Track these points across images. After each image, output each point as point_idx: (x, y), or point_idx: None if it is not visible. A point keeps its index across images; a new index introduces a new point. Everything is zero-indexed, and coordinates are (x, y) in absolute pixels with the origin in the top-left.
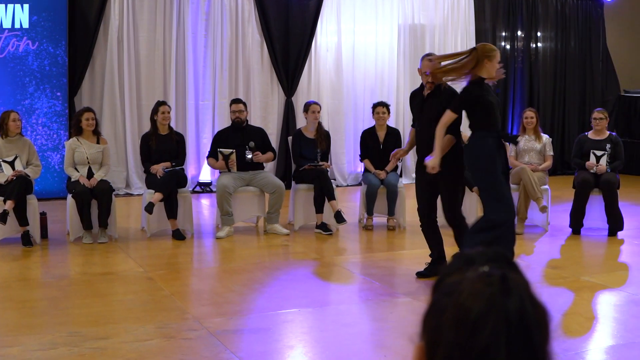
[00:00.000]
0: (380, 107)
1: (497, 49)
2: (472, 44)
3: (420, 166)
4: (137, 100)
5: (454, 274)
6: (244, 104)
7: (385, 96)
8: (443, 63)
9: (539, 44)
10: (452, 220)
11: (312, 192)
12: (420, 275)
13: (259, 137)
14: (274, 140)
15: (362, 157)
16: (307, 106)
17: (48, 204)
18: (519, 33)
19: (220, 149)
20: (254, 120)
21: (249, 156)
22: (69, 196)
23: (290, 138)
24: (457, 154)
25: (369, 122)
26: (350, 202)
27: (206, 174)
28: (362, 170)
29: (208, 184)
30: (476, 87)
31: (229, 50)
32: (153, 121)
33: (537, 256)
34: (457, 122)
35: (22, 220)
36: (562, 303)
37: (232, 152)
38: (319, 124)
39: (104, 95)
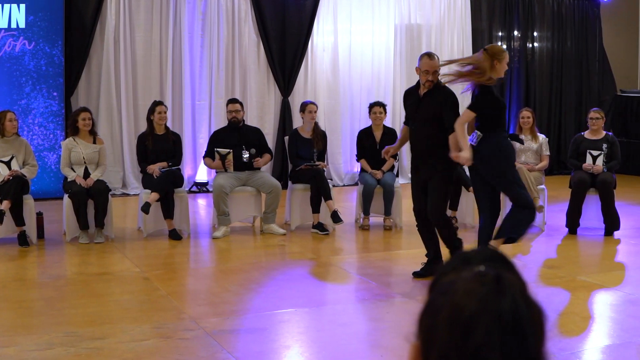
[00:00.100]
0: (377, 107)
1: (506, 51)
2: (468, 43)
3: (414, 166)
4: (134, 100)
5: (450, 273)
6: (241, 103)
7: (382, 96)
8: (455, 68)
9: (536, 44)
10: (438, 219)
11: (308, 192)
12: (416, 275)
13: (256, 138)
14: (270, 140)
15: (359, 157)
16: (304, 106)
17: (44, 204)
18: (516, 33)
19: (218, 149)
20: (250, 120)
21: (246, 156)
22: (66, 196)
23: (286, 138)
24: (446, 154)
25: (366, 122)
26: (346, 202)
27: (203, 173)
28: (359, 170)
29: (204, 184)
30: (492, 89)
31: (225, 50)
32: (149, 121)
33: (533, 256)
34: (439, 123)
35: (19, 220)
36: (559, 303)
37: (229, 152)
38: (316, 123)
39: (100, 95)
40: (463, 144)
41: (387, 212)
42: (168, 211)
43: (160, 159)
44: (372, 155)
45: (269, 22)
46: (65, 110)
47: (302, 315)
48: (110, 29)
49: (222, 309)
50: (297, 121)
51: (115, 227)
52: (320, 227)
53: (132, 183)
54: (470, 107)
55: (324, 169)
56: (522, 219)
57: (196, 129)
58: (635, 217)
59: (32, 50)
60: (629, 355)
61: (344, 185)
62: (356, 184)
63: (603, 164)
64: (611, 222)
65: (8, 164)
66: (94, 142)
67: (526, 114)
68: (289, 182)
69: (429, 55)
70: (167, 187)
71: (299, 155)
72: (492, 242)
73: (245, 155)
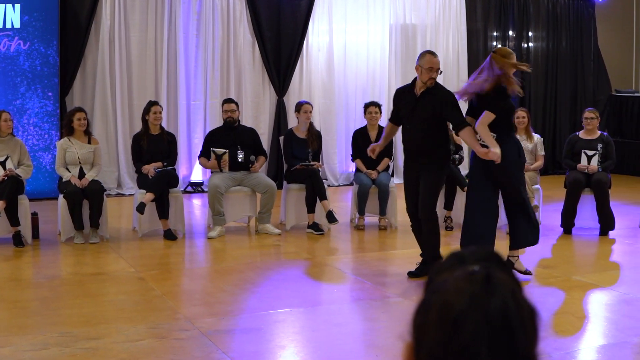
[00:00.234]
0: (373, 107)
1: (513, 52)
2: (463, 43)
3: (408, 166)
4: (129, 100)
5: (444, 272)
6: (236, 103)
7: (377, 96)
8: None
9: (530, 44)
10: (428, 217)
11: (303, 192)
12: (411, 274)
13: (251, 138)
14: (265, 140)
15: (354, 157)
16: (299, 106)
17: (39, 204)
18: (511, 33)
19: (214, 149)
20: (245, 120)
21: (241, 156)
22: (61, 196)
23: (281, 138)
24: (442, 154)
25: (361, 122)
26: (341, 202)
27: (198, 173)
28: (354, 170)
29: (199, 184)
30: (507, 91)
31: (220, 50)
32: (144, 121)
33: (528, 255)
34: (444, 122)
35: (14, 220)
36: (554, 302)
37: (225, 153)
38: (311, 123)
39: (95, 95)
40: (490, 142)
41: (382, 212)
42: (163, 211)
43: (155, 159)
44: (367, 155)
45: (264, 22)
46: (60, 111)
47: (298, 315)
48: (105, 29)
49: (217, 309)
50: (292, 121)
51: (110, 227)
52: (315, 227)
53: (127, 183)
54: (490, 109)
55: (319, 169)
56: (532, 223)
57: (191, 129)
58: (630, 217)
59: (27, 50)
60: (623, 354)
61: (339, 185)
62: (351, 184)
63: (598, 164)
64: (606, 222)
65: (3, 164)
66: (89, 142)
67: (521, 113)
68: (284, 182)
69: (432, 53)
70: (162, 187)
71: (294, 155)
72: (511, 253)
73: (241, 155)
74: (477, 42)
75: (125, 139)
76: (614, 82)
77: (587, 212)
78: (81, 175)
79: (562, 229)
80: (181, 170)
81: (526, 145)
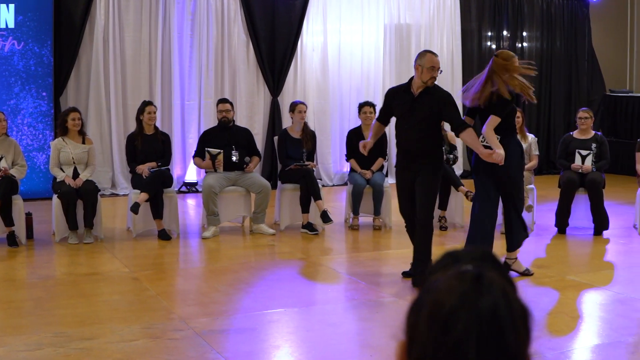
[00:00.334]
0: (367, 107)
1: (515, 55)
2: (457, 43)
3: (403, 166)
4: (123, 100)
5: (439, 271)
6: (231, 103)
7: (371, 96)
8: (473, 89)
9: (525, 44)
10: (427, 222)
11: (298, 192)
12: (406, 274)
13: (245, 138)
14: (259, 140)
15: (348, 157)
16: (293, 106)
17: (33, 205)
18: (505, 33)
19: (208, 149)
20: (240, 120)
21: (235, 156)
22: (55, 196)
23: (276, 138)
24: (439, 155)
25: (355, 122)
26: (336, 201)
27: (192, 173)
28: (348, 170)
29: (194, 184)
30: (512, 93)
31: (214, 50)
32: (139, 121)
33: (522, 255)
34: (437, 122)
35: (8, 220)
36: (548, 302)
37: (219, 153)
38: (305, 123)
39: (89, 95)
40: (495, 145)
41: (377, 212)
42: (157, 211)
43: (149, 159)
44: (362, 155)
45: (258, 22)
46: (54, 111)
47: (292, 315)
48: (99, 28)
49: (211, 309)
50: (287, 121)
51: (104, 227)
52: (309, 227)
53: (122, 183)
54: (495, 113)
55: (314, 168)
56: (520, 227)
57: (185, 129)
58: (625, 217)
59: (21, 50)
60: (618, 354)
61: (333, 185)
62: (345, 183)
63: (592, 164)
64: (600, 222)
65: None
66: (83, 142)
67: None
68: (279, 182)
69: (432, 52)
70: (156, 187)
71: (288, 155)
72: (508, 255)
73: (235, 155)
74: (471, 42)
75: (119, 139)
76: (608, 82)
77: (581, 211)
78: (75, 175)
79: (556, 228)
80: (175, 170)
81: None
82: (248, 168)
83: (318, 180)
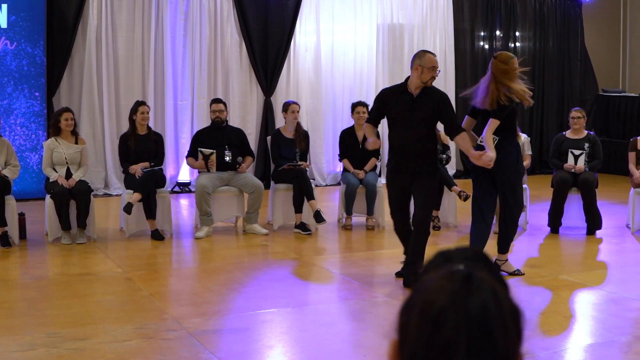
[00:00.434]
0: (360, 107)
1: (514, 57)
2: (450, 43)
3: (399, 168)
4: (116, 100)
5: (430, 271)
6: (224, 103)
7: (364, 96)
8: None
9: (518, 44)
10: (426, 224)
11: (291, 192)
12: (399, 275)
13: (238, 138)
14: (252, 140)
15: (341, 157)
16: (286, 106)
17: (26, 205)
18: (498, 33)
19: (201, 149)
20: (233, 120)
21: (228, 157)
22: (48, 197)
23: (269, 138)
24: (436, 156)
25: (348, 122)
26: (329, 201)
27: (185, 174)
28: (341, 169)
29: (187, 184)
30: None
31: (207, 50)
32: (132, 121)
33: (515, 255)
34: (435, 123)
35: (0, 220)
36: (541, 302)
37: (212, 153)
38: (298, 123)
39: (82, 95)
40: (489, 147)
41: (370, 211)
42: (150, 211)
43: (142, 159)
44: (355, 155)
45: (251, 22)
46: (47, 111)
47: (285, 315)
48: (92, 28)
49: (204, 309)
50: (280, 121)
51: (97, 227)
52: (302, 227)
53: (115, 183)
54: (495, 116)
55: (307, 168)
56: (512, 231)
57: (178, 129)
58: (617, 216)
59: (14, 51)
60: (611, 353)
61: (326, 185)
62: (338, 183)
63: (585, 164)
64: (593, 221)
65: None
66: (76, 143)
67: None
68: (272, 182)
69: (431, 52)
70: (149, 188)
71: (281, 155)
72: (499, 256)
73: (228, 155)
74: (464, 41)
75: (112, 139)
76: (600, 81)
77: (574, 211)
78: (68, 175)
79: (549, 228)
80: (168, 171)
81: None
82: (241, 168)
83: (311, 180)
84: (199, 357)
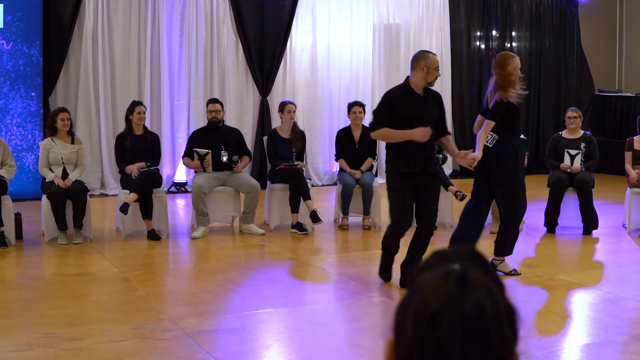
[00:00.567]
0: (357, 107)
1: (512, 57)
2: (447, 43)
3: (412, 172)
4: (112, 100)
5: (427, 271)
6: (221, 104)
7: (361, 96)
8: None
9: (514, 44)
10: (433, 227)
11: (287, 192)
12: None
13: (234, 138)
14: (249, 140)
15: (338, 157)
16: (283, 106)
17: (23, 205)
18: (494, 33)
19: (197, 149)
20: (229, 120)
21: (224, 157)
22: (44, 197)
23: (265, 138)
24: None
25: (344, 122)
26: (325, 201)
27: (181, 174)
28: (338, 169)
29: (183, 184)
30: (509, 96)
31: (204, 50)
32: (128, 121)
33: (512, 255)
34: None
35: None
36: (537, 301)
37: (207, 153)
38: (294, 123)
39: (78, 95)
40: (479, 147)
41: (366, 211)
42: (147, 211)
43: (138, 159)
44: (351, 155)
45: (247, 22)
46: (43, 111)
47: (282, 315)
48: (88, 28)
49: (201, 309)
50: (276, 121)
51: (93, 227)
52: (299, 227)
53: (111, 183)
54: (490, 117)
55: (303, 168)
56: (511, 233)
57: (175, 129)
58: (614, 216)
59: (10, 51)
60: (607, 353)
61: (322, 185)
62: (335, 183)
63: (581, 163)
64: (589, 221)
65: None
66: (72, 143)
67: None
68: (268, 182)
69: (432, 52)
70: (145, 188)
71: (277, 155)
72: (496, 256)
73: (224, 155)
74: (460, 42)
75: (108, 139)
76: (597, 81)
77: (570, 211)
78: (64, 175)
79: (545, 228)
80: (165, 171)
81: None
82: (237, 168)
83: (307, 180)
84: (195, 357)
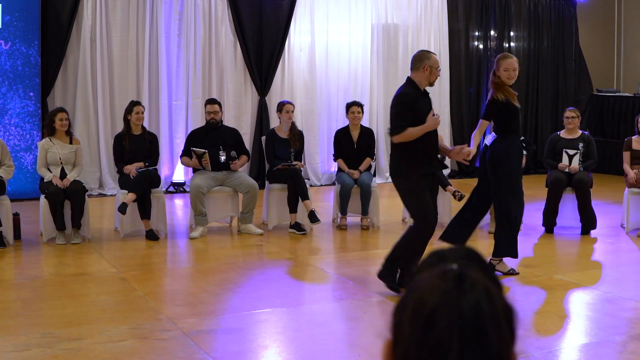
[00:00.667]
0: (355, 107)
1: (510, 57)
2: (445, 43)
3: (429, 172)
4: (110, 100)
5: (424, 270)
6: (219, 104)
7: (359, 96)
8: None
9: (512, 44)
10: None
11: (285, 192)
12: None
13: (233, 138)
14: (247, 140)
15: (336, 157)
16: (281, 106)
17: (21, 205)
18: (492, 33)
19: (194, 148)
20: (227, 120)
21: (223, 157)
22: (42, 197)
23: (263, 138)
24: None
25: (343, 122)
26: (324, 201)
27: (179, 174)
28: (336, 169)
29: (181, 184)
30: (501, 95)
31: (202, 50)
32: (126, 121)
33: None
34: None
35: None
36: (535, 301)
37: (204, 153)
38: (293, 123)
39: (76, 95)
40: (474, 144)
41: (364, 211)
42: (145, 211)
43: (137, 159)
44: (350, 155)
45: (245, 22)
46: (41, 111)
47: (280, 315)
48: (86, 28)
49: (199, 310)
50: (274, 121)
51: (92, 227)
52: (297, 226)
53: (109, 183)
54: (482, 116)
55: (301, 168)
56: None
57: (173, 129)
58: (612, 216)
59: (8, 51)
60: (605, 353)
61: (321, 185)
62: (333, 183)
63: (579, 163)
64: (588, 221)
65: None
66: (71, 143)
67: None
68: (266, 182)
69: (432, 52)
70: (143, 188)
71: (276, 155)
72: (493, 258)
73: (223, 155)
74: (458, 42)
75: (106, 139)
76: (595, 81)
77: (568, 211)
78: (63, 175)
79: (543, 228)
80: (163, 171)
81: None
82: (234, 165)
83: (306, 180)
84: (193, 357)
